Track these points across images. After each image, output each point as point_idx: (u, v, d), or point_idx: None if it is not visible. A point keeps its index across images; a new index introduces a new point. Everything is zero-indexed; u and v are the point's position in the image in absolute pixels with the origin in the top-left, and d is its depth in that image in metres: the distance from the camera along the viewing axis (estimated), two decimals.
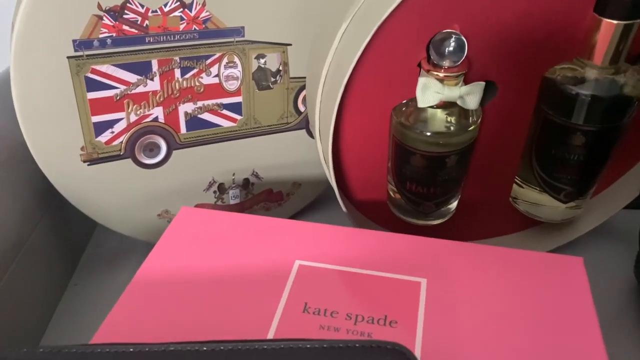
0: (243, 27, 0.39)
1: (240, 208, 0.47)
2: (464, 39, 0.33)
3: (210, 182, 0.44)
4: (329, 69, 0.35)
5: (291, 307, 0.29)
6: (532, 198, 0.43)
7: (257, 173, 0.45)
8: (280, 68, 0.42)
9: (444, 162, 0.36)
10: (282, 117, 0.44)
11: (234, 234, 0.34)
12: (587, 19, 0.34)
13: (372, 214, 0.44)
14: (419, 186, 0.38)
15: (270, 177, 0.46)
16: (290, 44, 0.41)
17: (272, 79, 0.42)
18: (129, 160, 0.40)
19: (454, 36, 0.32)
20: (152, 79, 0.38)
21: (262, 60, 0.41)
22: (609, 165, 0.42)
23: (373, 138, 0.38)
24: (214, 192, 0.45)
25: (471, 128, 0.36)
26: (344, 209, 0.39)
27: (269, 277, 0.31)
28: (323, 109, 0.36)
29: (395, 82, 0.35)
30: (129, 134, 0.40)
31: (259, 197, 0.47)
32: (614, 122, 0.36)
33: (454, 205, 0.41)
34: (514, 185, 0.43)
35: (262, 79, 0.42)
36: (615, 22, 0.33)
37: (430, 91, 0.33)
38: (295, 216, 0.50)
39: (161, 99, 0.39)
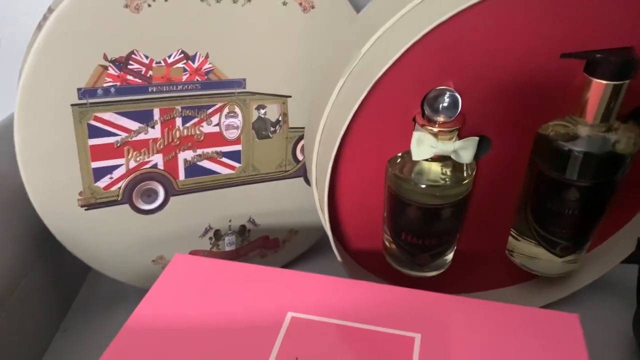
0: (244, 79, 0.40)
1: (235, 255, 0.47)
2: (458, 96, 0.33)
3: (206, 229, 0.44)
4: (326, 122, 0.36)
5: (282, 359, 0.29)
6: (528, 251, 0.43)
7: (253, 220, 0.46)
8: (280, 118, 0.43)
9: (439, 214, 0.36)
10: (280, 165, 0.44)
11: (227, 283, 0.34)
12: (578, 78, 0.35)
13: (367, 263, 0.44)
14: (414, 237, 0.38)
15: (266, 224, 0.47)
16: (290, 96, 0.42)
17: (272, 129, 0.43)
18: (126, 206, 0.41)
19: (448, 93, 0.33)
20: (153, 127, 0.39)
21: (262, 111, 0.42)
22: (605, 220, 0.42)
23: (369, 188, 0.39)
24: (210, 238, 0.45)
25: (465, 181, 0.36)
26: (338, 258, 0.39)
27: (260, 328, 0.31)
28: (320, 159, 0.37)
29: (390, 135, 0.36)
30: (127, 179, 0.40)
31: (255, 243, 0.47)
32: (606, 177, 0.37)
33: (449, 257, 0.41)
34: (510, 238, 0.43)
35: (261, 129, 0.43)
36: (605, 82, 0.34)
37: (424, 145, 0.34)
38: (291, 263, 0.50)
39: (161, 147, 0.40)
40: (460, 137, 0.36)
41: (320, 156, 0.37)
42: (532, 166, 0.39)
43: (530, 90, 0.36)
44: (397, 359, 0.29)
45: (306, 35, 0.40)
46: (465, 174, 0.36)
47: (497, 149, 0.38)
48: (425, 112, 0.34)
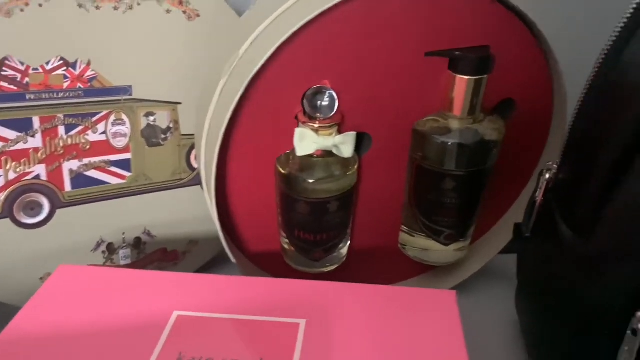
0: (130, 86, 0.40)
1: (132, 268, 0.45)
2: (334, 93, 0.35)
3: (98, 242, 0.43)
4: (210, 124, 0.36)
5: (165, 357, 0.28)
6: (418, 244, 0.45)
7: (149, 231, 0.45)
8: (171, 125, 0.43)
9: (326, 207, 0.38)
10: (174, 173, 0.44)
11: (112, 288, 0.33)
12: (445, 75, 0.38)
13: (268, 266, 0.44)
14: (306, 233, 0.39)
15: (163, 236, 0.46)
16: (180, 103, 0.43)
17: (163, 136, 0.43)
18: (7, 220, 0.39)
19: (324, 90, 0.35)
20: (33, 136, 0.38)
21: (151, 118, 0.42)
22: (486, 210, 0.46)
23: (262, 189, 0.39)
24: (103, 252, 0.43)
25: (349, 174, 0.38)
26: (232, 259, 0.39)
27: (144, 329, 0.30)
28: (207, 161, 0.37)
29: (277, 133, 0.37)
30: (6, 192, 0.38)
31: (152, 256, 0.46)
32: (479, 166, 0.40)
33: (343, 251, 0.42)
34: (401, 233, 0.45)
35: (152, 136, 0.42)
36: (466, 77, 0.37)
37: (307, 141, 0.35)
38: None
39: (43, 156, 0.39)
40: (341, 133, 0.37)
41: (207, 158, 0.37)
42: (412, 160, 0.41)
43: (403, 88, 0.38)
44: (281, 346, 0.29)
45: (193, 43, 0.41)
46: (348, 168, 0.38)
47: (378, 145, 0.40)
48: (305, 109, 0.35)
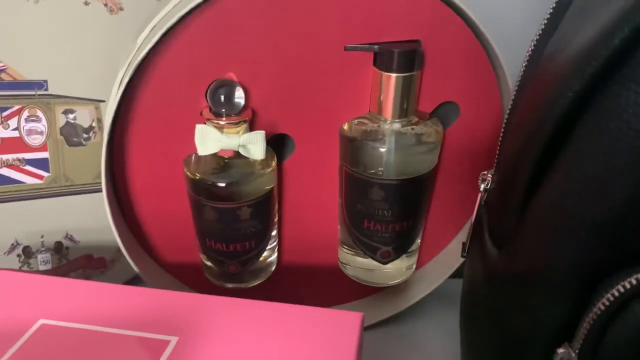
0: (46, 81, 0.38)
1: (53, 275, 0.43)
2: (239, 87, 0.32)
3: (12, 245, 0.41)
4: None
5: None
6: (356, 262, 0.41)
7: (71, 236, 0.42)
8: (94, 124, 0.41)
9: (236, 214, 0.34)
10: (99, 175, 0.42)
11: None
12: (371, 72, 0.34)
13: (189, 280, 0.41)
14: (217, 242, 0.36)
15: (88, 241, 0.43)
16: (103, 101, 0.40)
17: (85, 135, 0.41)
18: None
19: (229, 85, 0.32)
20: None
21: (70, 116, 0.40)
22: (434, 229, 0.41)
23: (172, 192, 0.36)
24: (19, 255, 0.41)
25: (261, 178, 0.34)
26: (135, 268, 0.36)
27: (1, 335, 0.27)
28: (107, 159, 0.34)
29: (181, 131, 0.34)
30: None
31: (76, 263, 0.43)
32: (411, 174, 0.36)
33: (266, 265, 0.39)
34: (340, 250, 0.41)
35: (72, 135, 0.40)
36: (393, 75, 0.34)
37: (209, 139, 0.32)
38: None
39: None
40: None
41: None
42: (341, 167, 0.37)
43: (327, 86, 0.35)
44: None
45: (116, 38, 0.39)
46: (261, 172, 0.35)
47: (303, 149, 0.37)
48: (209, 105, 0.32)
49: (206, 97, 0.33)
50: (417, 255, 0.42)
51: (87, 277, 0.44)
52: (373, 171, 0.35)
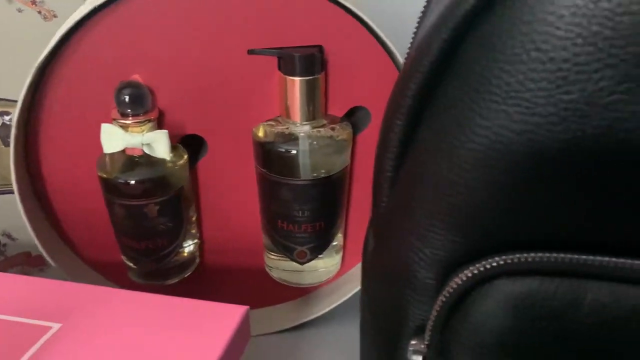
0: None
1: None
2: (145, 89, 0.34)
3: None
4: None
5: None
6: (281, 265, 0.41)
7: (9, 233, 0.44)
8: None
9: (143, 212, 0.36)
10: None
11: None
12: (277, 78, 0.35)
13: (114, 276, 0.42)
14: (130, 239, 0.37)
15: (28, 239, 0.45)
16: None
17: None
18: None
19: (133, 86, 0.33)
20: None
21: (6, 118, 0.42)
22: (360, 231, 0.42)
23: (89, 190, 0.37)
24: None
25: (170, 177, 0.36)
26: (52, 263, 0.37)
27: None
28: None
29: (92, 131, 0.35)
30: None
31: (14, 259, 0.45)
32: (320, 175, 0.37)
33: (181, 263, 0.39)
34: (265, 254, 0.42)
35: (8, 136, 0.42)
36: (296, 79, 0.35)
37: (113, 138, 0.34)
38: None
39: None
40: (170, 133, 0.35)
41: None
42: (256, 168, 0.38)
43: (235, 88, 0.36)
44: (14, 349, 0.27)
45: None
46: (169, 170, 0.36)
47: (216, 151, 0.38)
48: (116, 105, 0.34)
49: (114, 98, 0.34)
50: (341, 255, 0.42)
51: (26, 274, 0.46)
52: (284, 172, 0.36)
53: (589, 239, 0.21)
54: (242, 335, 0.30)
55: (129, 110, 0.33)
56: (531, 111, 0.19)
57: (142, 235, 0.36)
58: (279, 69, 0.35)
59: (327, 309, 0.43)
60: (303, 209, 0.37)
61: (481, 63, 0.21)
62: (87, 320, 0.29)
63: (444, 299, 0.24)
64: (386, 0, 0.44)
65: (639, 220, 0.20)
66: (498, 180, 0.21)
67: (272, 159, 0.36)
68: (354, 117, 0.39)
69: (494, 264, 0.22)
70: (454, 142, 0.22)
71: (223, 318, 0.29)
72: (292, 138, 0.36)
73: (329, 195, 0.38)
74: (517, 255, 0.22)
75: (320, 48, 0.35)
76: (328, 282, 0.43)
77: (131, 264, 0.38)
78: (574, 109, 0.19)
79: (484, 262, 0.22)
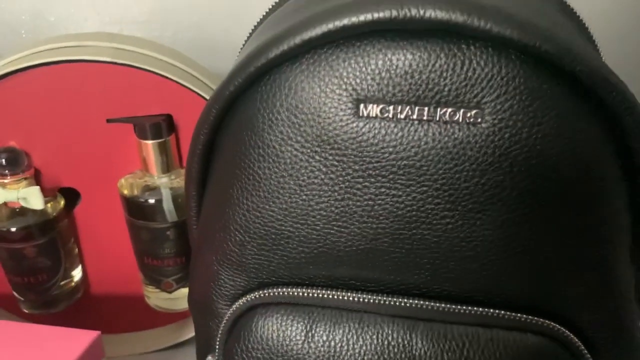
0: None
1: None
2: (20, 153, 0.41)
3: None
4: None
5: None
6: (156, 294, 0.48)
7: None
8: None
9: (22, 253, 0.42)
10: None
11: None
12: (135, 139, 0.43)
13: (9, 307, 0.48)
14: (14, 276, 0.44)
15: None
16: None
17: None
18: None
19: (10, 152, 0.40)
20: None
21: None
22: None
23: None
24: None
25: (46, 223, 0.43)
26: None
27: None
28: None
29: None
30: None
31: None
32: (172, 220, 0.44)
33: (64, 294, 0.46)
34: (142, 285, 0.49)
35: None
36: (148, 142, 0.42)
37: None
38: None
39: None
40: (46, 188, 0.43)
41: None
42: (124, 214, 0.45)
43: (100, 148, 0.43)
44: None
45: None
46: (47, 218, 0.43)
47: (89, 199, 0.45)
48: None
49: None
50: None
51: None
52: (146, 218, 0.43)
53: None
54: (91, 357, 0.36)
55: (6, 171, 0.40)
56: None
57: (24, 273, 0.43)
58: (135, 133, 0.42)
59: None
60: (164, 247, 0.44)
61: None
62: None
63: (224, 323, 0.31)
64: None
65: None
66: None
67: (134, 207, 0.44)
68: None
69: (254, 297, 0.30)
70: (227, 214, 0.30)
71: (69, 342, 0.36)
72: (151, 188, 0.43)
73: (186, 235, 0.45)
74: (267, 291, 0.29)
75: (168, 116, 0.42)
76: None
77: (19, 297, 0.45)
78: None
79: (248, 296, 0.30)
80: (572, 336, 0.27)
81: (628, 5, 0.54)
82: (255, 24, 0.34)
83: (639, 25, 0.55)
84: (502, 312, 0.27)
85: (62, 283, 0.45)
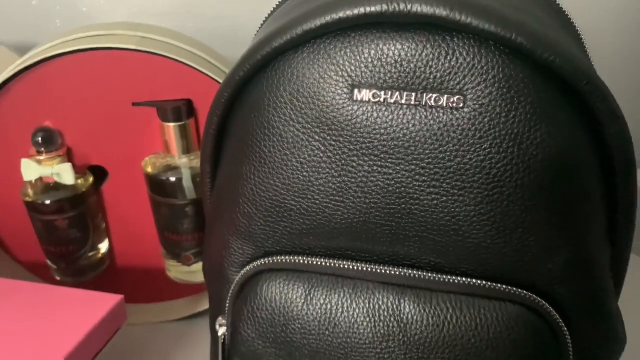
0: None
1: None
2: (55, 133, 0.45)
3: None
4: None
5: None
6: (176, 267, 0.52)
7: None
8: None
9: (55, 225, 0.46)
10: None
11: None
12: (158, 123, 0.46)
13: (42, 275, 0.53)
14: (47, 246, 0.48)
15: None
16: None
17: None
18: None
19: (46, 130, 0.44)
20: None
21: None
22: None
23: (19, 209, 0.49)
24: None
25: (77, 198, 0.47)
26: None
27: None
28: None
29: (18, 165, 0.46)
30: None
31: None
32: (191, 197, 0.47)
33: (92, 264, 0.50)
34: (164, 258, 0.53)
35: None
36: (170, 124, 0.45)
37: (31, 170, 0.45)
38: None
39: None
40: (77, 165, 0.47)
41: None
42: (147, 192, 0.49)
43: (126, 130, 0.47)
44: None
45: None
46: (77, 193, 0.47)
47: (116, 177, 0.49)
48: (32, 145, 0.45)
49: (31, 139, 0.45)
50: None
51: None
52: (167, 195, 0.47)
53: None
54: (112, 322, 0.40)
55: (42, 149, 0.44)
56: None
57: (56, 243, 0.47)
58: (159, 117, 0.46)
59: None
60: (183, 223, 0.48)
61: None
62: None
63: (233, 287, 0.34)
64: None
65: None
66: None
67: (158, 185, 0.47)
68: None
69: (260, 264, 0.33)
70: (237, 188, 0.33)
71: (91, 305, 0.40)
72: (172, 168, 0.47)
73: (203, 212, 0.48)
74: (271, 259, 0.33)
75: (188, 101, 0.45)
76: None
77: (52, 265, 0.49)
78: None
79: (255, 263, 0.33)
80: (548, 306, 0.30)
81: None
82: (266, 17, 0.37)
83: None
84: (484, 282, 0.30)
85: (90, 254, 0.50)
